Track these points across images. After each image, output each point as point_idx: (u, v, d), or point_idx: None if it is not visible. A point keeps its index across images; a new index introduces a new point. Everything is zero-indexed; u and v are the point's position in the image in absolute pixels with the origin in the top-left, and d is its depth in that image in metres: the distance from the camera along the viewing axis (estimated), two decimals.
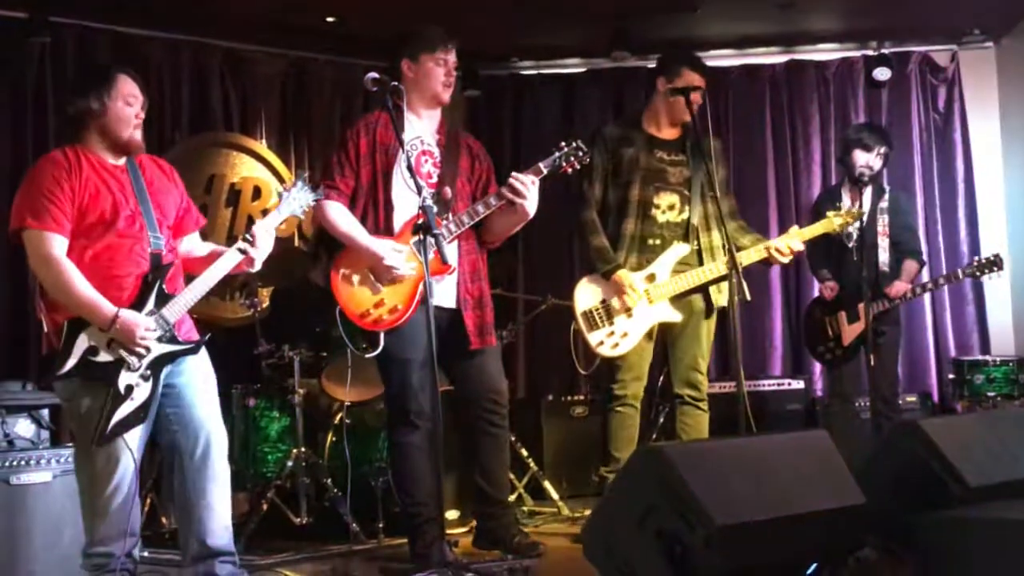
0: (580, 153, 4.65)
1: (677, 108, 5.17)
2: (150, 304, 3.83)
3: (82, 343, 3.75)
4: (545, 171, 4.61)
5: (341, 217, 4.52)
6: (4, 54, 6.09)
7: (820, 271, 6.28)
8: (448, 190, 4.62)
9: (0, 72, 6.08)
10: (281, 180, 7.01)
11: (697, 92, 5.09)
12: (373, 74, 4.29)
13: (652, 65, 5.58)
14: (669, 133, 5.27)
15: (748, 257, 5.08)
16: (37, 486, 4.58)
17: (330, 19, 6.77)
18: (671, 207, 5.20)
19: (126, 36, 6.49)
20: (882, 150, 6.03)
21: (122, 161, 3.95)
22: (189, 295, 3.90)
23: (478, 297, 4.70)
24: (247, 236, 3.97)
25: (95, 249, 3.82)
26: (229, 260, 3.96)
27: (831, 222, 5.28)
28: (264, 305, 6.16)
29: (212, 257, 4.04)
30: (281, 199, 4.09)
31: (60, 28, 6.20)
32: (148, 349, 3.79)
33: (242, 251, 3.95)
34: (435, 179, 4.63)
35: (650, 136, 5.24)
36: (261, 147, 7.00)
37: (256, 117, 7.04)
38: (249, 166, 6.93)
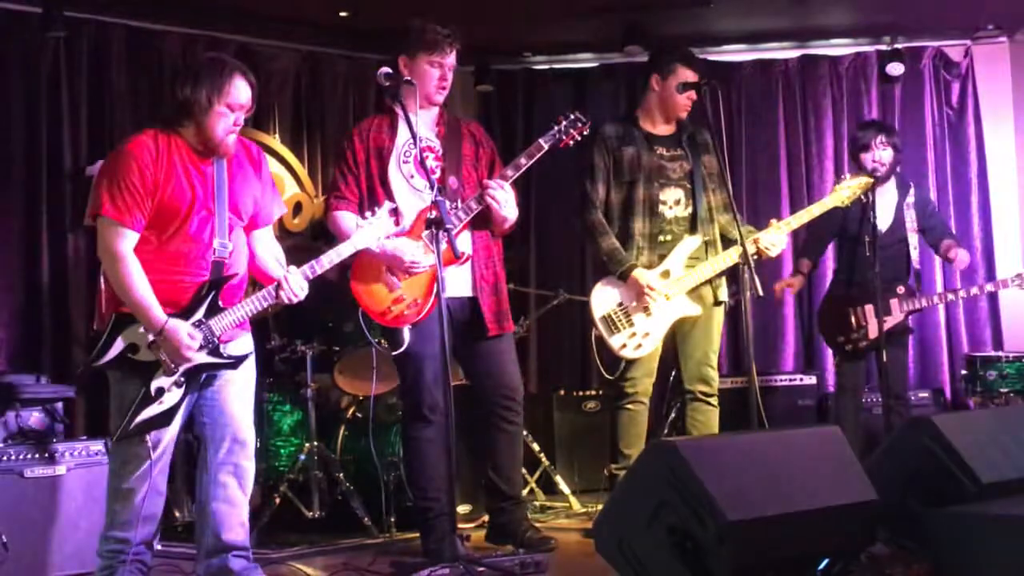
0: (579, 124, 4.70)
1: (673, 104, 5.17)
2: (200, 313, 3.83)
3: (125, 338, 3.77)
4: (546, 146, 4.67)
5: (353, 224, 4.54)
6: (19, 49, 6.10)
7: (801, 259, 6.28)
8: (454, 179, 4.63)
9: (15, 67, 6.09)
10: (294, 174, 7.02)
11: (693, 89, 5.09)
12: (386, 69, 4.32)
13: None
14: (664, 129, 5.27)
15: (732, 258, 5.06)
16: (51, 479, 4.61)
17: (343, 13, 6.77)
18: (677, 202, 5.19)
19: (140, 30, 6.49)
20: (880, 139, 5.94)
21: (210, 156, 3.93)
22: (239, 312, 3.90)
23: (493, 283, 4.72)
24: (277, 287, 3.96)
25: (162, 247, 3.83)
26: (264, 299, 3.95)
27: (839, 195, 5.22)
28: None
29: (264, 279, 4.05)
30: (359, 227, 4.10)
31: (75, 23, 6.20)
32: (189, 361, 3.80)
33: (277, 293, 3.95)
34: (438, 173, 4.63)
35: (647, 133, 5.23)
36: (274, 141, 7.00)
37: (269, 111, 7.03)
38: None
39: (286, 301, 3.97)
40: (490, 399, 4.72)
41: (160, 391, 3.79)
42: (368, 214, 4.15)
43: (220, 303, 3.87)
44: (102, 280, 3.89)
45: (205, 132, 3.85)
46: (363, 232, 4.09)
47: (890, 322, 5.79)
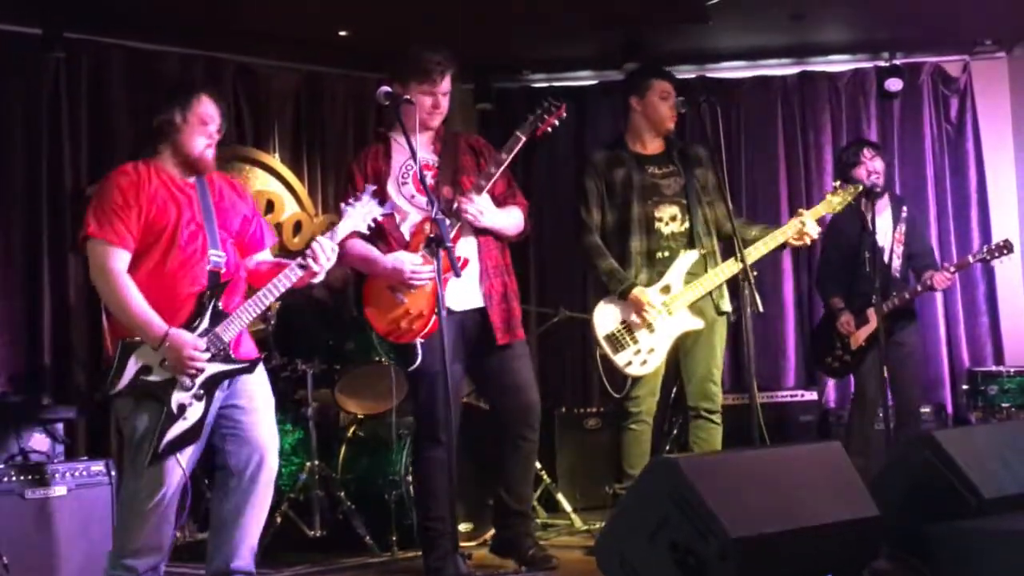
0: (553, 109, 4.67)
1: (659, 118, 5.17)
2: (205, 323, 3.84)
3: (136, 362, 3.78)
4: (523, 136, 4.63)
5: (355, 245, 4.54)
6: (19, 70, 6.12)
7: (833, 298, 6.18)
8: (448, 189, 4.62)
9: (15, 88, 6.11)
10: (294, 193, 7.04)
11: (688, 102, 5.11)
12: (385, 88, 4.33)
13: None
14: (654, 148, 5.26)
15: (765, 247, 5.03)
16: (52, 500, 4.60)
17: (343, 33, 6.79)
18: (673, 218, 5.18)
19: (140, 51, 6.52)
20: (866, 152, 5.96)
21: (192, 178, 3.99)
22: (245, 314, 3.91)
23: (503, 292, 4.67)
24: (307, 253, 3.95)
25: (157, 265, 3.85)
26: (288, 278, 3.95)
27: (830, 203, 5.20)
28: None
29: (273, 272, 4.03)
30: (343, 213, 4.08)
31: (74, 44, 6.23)
32: (199, 370, 3.80)
33: (303, 267, 3.94)
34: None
35: (636, 155, 5.23)
36: (274, 161, 7.02)
37: (269, 131, 7.06)
38: (263, 180, 6.95)
39: (316, 270, 3.94)
40: (506, 415, 4.69)
41: (182, 407, 3.79)
42: (351, 199, 4.14)
43: (222, 309, 3.88)
44: (104, 315, 3.91)
45: (182, 149, 3.94)
46: (350, 216, 4.06)
47: (869, 329, 5.83)
